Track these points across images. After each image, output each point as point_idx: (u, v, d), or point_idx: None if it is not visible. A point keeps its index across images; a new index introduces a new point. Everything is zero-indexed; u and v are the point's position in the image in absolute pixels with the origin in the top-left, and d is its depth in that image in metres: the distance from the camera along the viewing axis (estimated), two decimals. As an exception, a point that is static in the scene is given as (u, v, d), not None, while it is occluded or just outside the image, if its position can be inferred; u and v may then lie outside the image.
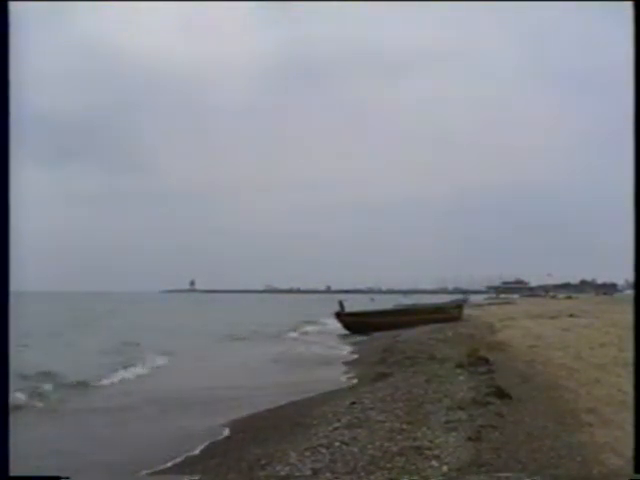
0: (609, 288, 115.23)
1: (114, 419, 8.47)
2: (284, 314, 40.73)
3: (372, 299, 79.09)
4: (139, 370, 13.42)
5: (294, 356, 16.94)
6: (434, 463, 4.97)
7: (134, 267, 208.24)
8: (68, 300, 65.15)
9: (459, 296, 75.45)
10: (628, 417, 3.95)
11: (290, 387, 10.69)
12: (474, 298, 69.23)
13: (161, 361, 15.03)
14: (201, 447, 6.63)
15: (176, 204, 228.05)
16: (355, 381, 10.95)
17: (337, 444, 5.71)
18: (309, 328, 29.24)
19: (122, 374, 12.68)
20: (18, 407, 8.37)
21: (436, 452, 5.26)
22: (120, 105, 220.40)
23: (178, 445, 6.73)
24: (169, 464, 6.02)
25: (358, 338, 21.69)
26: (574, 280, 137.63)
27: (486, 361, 10.24)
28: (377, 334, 21.55)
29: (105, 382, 11.71)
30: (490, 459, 4.99)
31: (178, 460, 6.14)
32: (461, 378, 9.11)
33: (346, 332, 24.82)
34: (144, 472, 5.83)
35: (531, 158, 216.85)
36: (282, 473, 5.06)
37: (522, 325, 21.18)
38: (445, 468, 4.84)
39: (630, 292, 42.62)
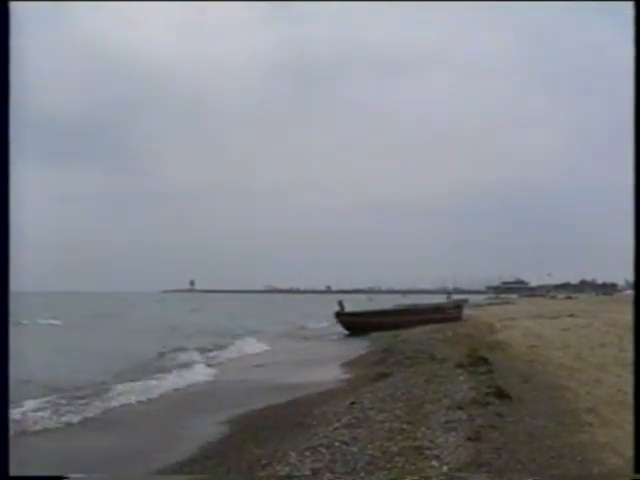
0: (609, 288, 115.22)
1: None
2: (292, 314, 40.94)
3: (370, 299, 79.03)
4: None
5: (295, 355, 16.99)
6: (434, 463, 4.97)
7: (134, 267, 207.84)
8: (85, 301, 64.79)
9: (459, 296, 75.32)
10: (628, 417, 3.95)
11: (288, 388, 10.69)
12: (474, 298, 69.12)
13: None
14: (200, 447, 6.63)
15: (176, 204, 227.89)
16: (355, 381, 10.95)
17: (337, 444, 5.71)
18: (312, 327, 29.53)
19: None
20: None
21: (436, 452, 5.25)
22: (120, 105, 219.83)
23: (177, 444, 6.74)
24: (168, 463, 6.01)
25: (358, 338, 21.71)
26: (574, 280, 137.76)
27: (486, 361, 10.23)
28: (377, 334, 21.54)
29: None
30: (490, 459, 4.99)
31: (177, 459, 6.13)
32: (461, 378, 9.10)
33: (346, 332, 24.84)
34: (143, 472, 5.83)
35: (531, 158, 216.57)
36: (282, 473, 5.06)
37: (522, 325, 21.17)
38: (445, 468, 4.84)
39: (630, 292, 42.61)
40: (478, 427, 5.98)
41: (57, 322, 28.11)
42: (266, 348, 19.09)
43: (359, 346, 18.41)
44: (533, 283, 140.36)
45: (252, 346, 19.28)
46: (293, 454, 5.52)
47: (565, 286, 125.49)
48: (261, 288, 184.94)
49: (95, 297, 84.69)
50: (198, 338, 21.78)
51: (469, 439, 5.58)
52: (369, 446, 5.57)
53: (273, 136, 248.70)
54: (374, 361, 13.43)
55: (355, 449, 5.52)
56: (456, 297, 63.95)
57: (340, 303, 26.26)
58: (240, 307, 58.27)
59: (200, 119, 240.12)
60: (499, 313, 32.14)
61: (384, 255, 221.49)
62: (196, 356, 15.80)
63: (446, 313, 27.36)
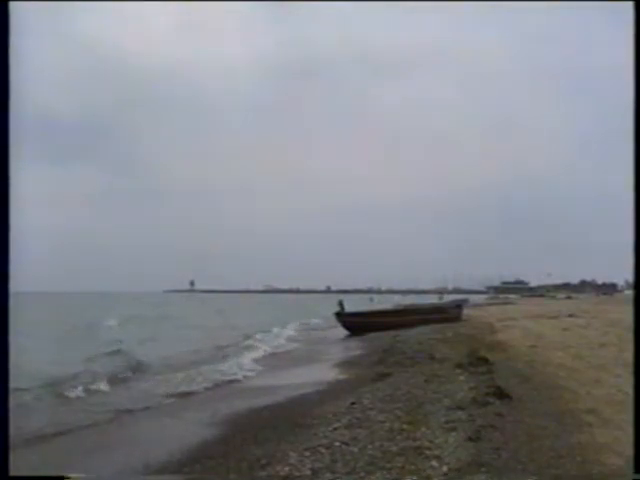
0: (609, 288, 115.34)
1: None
2: (293, 315, 41.06)
3: (371, 299, 79.04)
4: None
5: (293, 356, 17.02)
6: (434, 463, 4.96)
7: (134, 267, 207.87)
8: (92, 303, 64.57)
9: (459, 296, 75.31)
10: (628, 417, 3.95)
11: (287, 388, 10.69)
12: (474, 298, 69.08)
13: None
14: (200, 446, 6.62)
15: (176, 204, 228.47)
16: (355, 381, 10.94)
17: (337, 444, 5.71)
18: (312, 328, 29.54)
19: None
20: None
21: (436, 452, 5.25)
22: (120, 105, 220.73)
23: (176, 443, 6.73)
24: (167, 463, 6.01)
25: (358, 338, 21.70)
26: (574, 280, 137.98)
27: (486, 361, 10.23)
28: (377, 334, 21.52)
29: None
30: (490, 459, 4.99)
31: (176, 459, 6.12)
32: (461, 378, 9.10)
33: (346, 332, 24.82)
34: (141, 472, 5.82)
35: (530, 158, 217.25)
36: (282, 473, 5.06)
37: (522, 325, 21.16)
38: (445, 468, 4.84)
39: (630, 292, 42.64)
40: (478, 427, 5.97)
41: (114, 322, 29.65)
42: (269, 348, 19.20)
43: (359, 346, 18.43)
44: (533, 283, 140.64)
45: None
46: (293, 454, 5.52)
47: (565, 286, 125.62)
48: (261, 288, 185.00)
49: (97, 298, 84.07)
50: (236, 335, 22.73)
51: (469, 439, 5.58)
52: (369, 446, 5.56)
53: (273, 136, 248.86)
54: (374, 361, 13.42)
55: (355, 449, 5.52)
56: (455, 297, 64.02)
57: (340, 303, 26.23)
58: (245, 308, 58.63)
59: (200, 119, 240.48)
60: (499, 313, 32.11)
61: (384, 255, 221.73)
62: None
63: (446, 313, 27.33)
